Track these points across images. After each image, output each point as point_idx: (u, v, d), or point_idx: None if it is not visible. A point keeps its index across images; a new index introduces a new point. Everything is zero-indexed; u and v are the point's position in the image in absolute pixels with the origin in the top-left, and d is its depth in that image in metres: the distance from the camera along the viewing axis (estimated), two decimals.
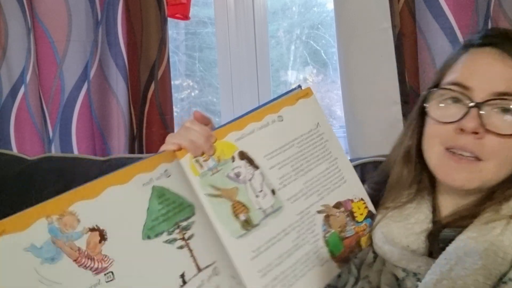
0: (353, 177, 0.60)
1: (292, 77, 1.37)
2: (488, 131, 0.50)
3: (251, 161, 0.53)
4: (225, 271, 0.49)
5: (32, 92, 1.01)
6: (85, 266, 0.42)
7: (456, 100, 0.53)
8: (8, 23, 1.02)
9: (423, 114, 0.57)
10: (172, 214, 0.47)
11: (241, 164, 0.53)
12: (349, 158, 0.97)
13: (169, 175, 0.49)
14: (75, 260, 0.41)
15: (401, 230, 0.54)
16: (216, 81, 1.34)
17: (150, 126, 1.05)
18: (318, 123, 0.59)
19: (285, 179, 0.55)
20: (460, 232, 0.49)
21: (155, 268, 0.45)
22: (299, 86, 0.60)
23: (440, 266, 0.47)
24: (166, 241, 0.46)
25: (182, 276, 0.46)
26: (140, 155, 0.97)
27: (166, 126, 1.04)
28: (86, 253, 0.42)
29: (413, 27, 0.96)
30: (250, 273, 0.50)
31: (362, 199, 0.60)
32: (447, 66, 0.57)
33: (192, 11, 1.12)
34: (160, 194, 0.47)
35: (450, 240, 0.49)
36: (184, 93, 1.37)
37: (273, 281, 0.51)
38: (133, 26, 1.04)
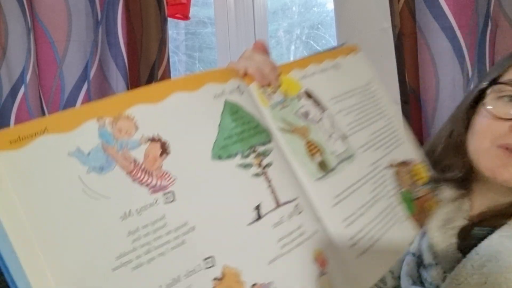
0: (409, 139, 0.56)
1: None
2: None
3: (318, 102, 0.49)
4: (308, 211, 0.41)
5: (32, 92, 1.01)
6: (140, 181, 0.34)
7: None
8: (8, 23, 1.02)
9: (473, 106, 0.56)
10: (247, 135, 0.40)
11: (309, 103, 0.48)
12: None
13: (242, 93, 0.42)
14: (129, 173, 0.34)
15: (436, 223, 0.55)
16: None
17: None
18: (370, 80, 0.55)
19: (352, 126, 0.50)
20: (492, 232, 0.49)
21: (224, 195, 0.38)
22: (343, 44, 0.58)
23: (471, 261, 0.47)
24: (240, 165, 0.39)
25: (257, 208, 0.38)
26: None
27: None
28: (143, 166, 0.35)
29: (413, 27, 0.96)
30: (335, 221, 0.43)
31: (421, 163, 0.55)
32: (509, 62, 0.56)
33: (192, 11, 1.12)
34: (233, 110, 0.40)
35: (481, 239, 0.49)
36: None
37: (359, 233, 0.44)
38: (133, 26, 1.04)
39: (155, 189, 0.35)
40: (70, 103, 1.02)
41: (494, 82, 0.55)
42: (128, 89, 1.01)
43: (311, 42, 1.34)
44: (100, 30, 1.01)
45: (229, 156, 0.39)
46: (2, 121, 1.04)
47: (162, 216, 0.34)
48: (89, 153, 0.33)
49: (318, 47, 1.34)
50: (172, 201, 0.35)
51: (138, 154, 0.35)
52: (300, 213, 0.41)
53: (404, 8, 0.96)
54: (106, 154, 0.34)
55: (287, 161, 0.43)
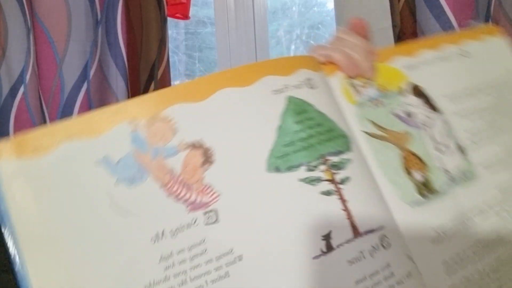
0: None
1: None
2: None
3: (430, 101, 0.38)
4: (399, 246, 0.31)
5: (31, 92, 1.01)
6: (177, 196, 0.28)
7: None
8: (8, 23, 1.02)
9: None
10: (316, 142, 0.31)
11: (415, 101, 0.37)
12: None
13: (315, 87, 0.33)
14: (164, 186, 0.28)
15: None
16: None
17: None
18: (508, 69, 0.42)
19: (477, 135, 0.38)
20: None
21: (282, 217, 0.29)
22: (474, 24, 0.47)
23: None
24: (304, 180, 0.30)
25: (327, 237, 0.29)
26: None
27: None
28: (181, 178, 0.29)
29: (414, 27, 0.96)
30: (432, 263, 0.32)
31: None
32: None
33: (192, 11, 1.12)
34: (299, 109, 0.32)
35: None
36: None
37: (465, 283, 0.33)
38: (133, 26, 1.04)
39: (194, 207, 0.29)
40: (70, 103, 1.02)
41: None
42: (128, 89, 1.01)
43: (311, 42, 1.34)
44: (100, 30, 1.01)
45: (290, 168, 0.30)
46: (1, 121, 1.04)
47: (201, 240, 0.28)
48: (118, 162, 0.28)
49: None
50: (214, 221, 0.29)
51: (176, 163, 0.29)
52: (387, 248, 0.30)
53: (405, 8, 0.95)
54: (138, 163, 0.28)
55: (373, 177, 0.33)
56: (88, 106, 1.02)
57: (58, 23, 1.01)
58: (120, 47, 1.00)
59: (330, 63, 0.36)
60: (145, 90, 1.04)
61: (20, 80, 1.02)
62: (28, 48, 1.01)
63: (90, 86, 1.01)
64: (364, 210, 0.30)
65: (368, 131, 0.34)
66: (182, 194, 0.28)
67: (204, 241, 0.28)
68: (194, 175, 0.29)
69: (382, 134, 0.35)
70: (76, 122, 0.28)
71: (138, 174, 0.28)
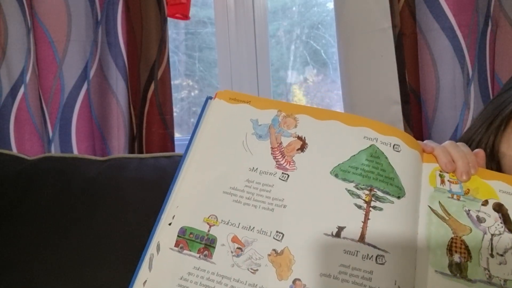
0: None
1: (292, 77, 1.36)
2: None
3: (507, 220, 0.44)
4: (390, 269, 0.41)
5: (32, 92, 1.01)
6: (275, 156, 0.46)
7: None
8: (8, 23, 1.02)
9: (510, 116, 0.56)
10: (373, 176, 0.44)
11: (492, 214, 0.44)
12: None
13: (398, 151, 0.46)
14: (272, 148, 0.47)
15: None
16: (216, 81, 1.34)
17: (150, 126, 1.05)
18: None
19: None
20: None
21: (322, 201, 0.43)
22: None
23: None
24: (348, 190, 0.43)
25: (340, 228, 0.41)
26: (140, 155, 0.97)
27: (166, 126, 1.04)
28: (283, 149, 0.46)
29: (414, 27, 0.96)
30: None
31: None
32: None
33: (192, 11, 1.12)
34: (374, 154, 0.45)
35: None
36: (184, 93, 1.37)
37: None
38: (133, 26, 1.04)
39: (279, 167, 0.46)
40: (70, 103, 1.02)
41: None
42: (128, 89, 1.01)
43: (311, 42, 1.34)
44: (100, 30, 1.01)
45: (344, 179, 0.44)
46: (1, 121, 1.04)
47: (272, 185, 0.45)
48: (260, 125, 0.48)
49: (318, 47, 1.34)
50: (285, 180, 0.45)
51: (285, 141, 0.47)
52: (379, 263, 0.40)
53: (405, 8, 0.95)
54: (268, 130, 0.48)
55: (409, 229, 0.42)
56: (88, 106, 1.02)
57: (58, 23, 1.01)
58: (120, 47, 1.00)
59: (430, 154, 0.47)
60: (145, 90, 1.04)
61: (20, 80, 1.02)
62: (28, 48, 1.01)
63: (90, 86, 1.01)
64: (379, 233, 0.41)
65: (433, 208, 0.44)
66: (278, 157, 0.46)
67: (273, 185, 0.45)
68: (291, 152, 0.46)
69: (444, 216, 0.44)
70: (255, 98, 0.50)
71: (264, 136, 0.48)
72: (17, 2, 1.01)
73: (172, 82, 1.06)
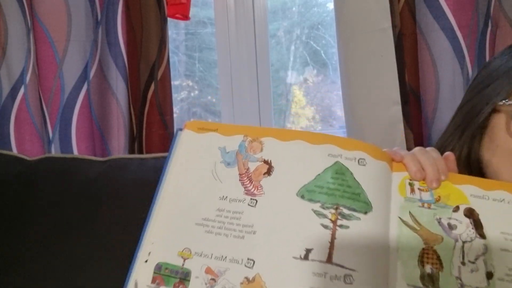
0: None
1: (292, 78, 1.37)
2: None
3: (478, 226, 0.44)
4: (360, 286, 0.41)
5: (32, 93, 1.01)
6: (243, 182, 0.47)
7: None
8: (8, 23, 1.02)
9: (486, 121, 0.55)
10: (338, 194, 0.44)
11: (463, 220, 0.44)
12: None
13: (363, 165, 0.46)
14: (240, 174, 0.48)
15: None
16: (216, 82, 1.34)
17: (150, 127, 1.05)
18: None
19: None
20: None
21: (289, 224, 0.44)
22: None
23: None
24: (314, 211, 0.44)
25: (308, 251, 0.42)
26: (140, 156, 0.97)
27: (166, 126, 1.04)
28: (250, 175, 0.47)
29: (413, 27, 0.96)
30: None
31: None
32: None
33: (192, 11, 1.12)
34: (339, 171, 0.46)
35: None
36: (184, 93, 1.37)
37: None
38: (133, 26, 1.04)
39: (248, 193, 0.46)
40: (70, 103, 1.02)
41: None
42: (128, 89, 1.01)
43: (311, 42, 1.34)
44: (100, 30, 1.01)
45: (310, 200, 0.45)
46: (2, 122, 1.04)
47: (241, 211, 0.45)
48: (228, 152, 0.49)
49: (318, 47, 1.34)
50: (253, 206, 0.46)
51: (252, 166, 0.48)
52: (348, 284, 0.40)
53: (404, 8, 0.96)
54: (236, 157, 0.49)
55: (379, 245, 0.43)
56: (88, 106, 1.02)
57: (58, 23, 1.01)
58: (120, 47, 1.00)
59: (399, 162, 0.47)
60: (145, 90, 1.04)
61: (20, 80, 1.02)
62: (28, 48, 1.01)
63: (90, 86, 1.01)
64: (346, 252, 0.42)
65: (403, 219, 0.44)
66: (246, 182, 0.47)
67: (242, 212, 0.45)
68: (258, 177, 0.47)
69: (414, 227, 0.44)
70: (223, 125, 0.51)
71: (232, 162, 0.49)
72: (17, 2, 1.01)
73: (172, 83, 1.06)
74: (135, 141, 1.05)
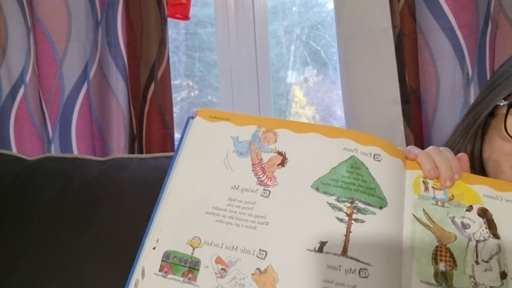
0: None
1: (292, 77, 1.36)
2: None
3: (491, 226, 0.44)
4: (374, 281, 0.40)
5: (32, 92, 1.01)
6: (256, 173, 0.46)
7: None
8: (8, 23, 1.02)
9: (487, 122, 0.57)
10: (354, 188, 0.44)
11: (476, 219, 0.44)
12: None
13: (378, 160, 0.46)
14: (253, 164, 0.47)
15: None
16: (216, 82, 1.34)
17: (150, 126, 1.05)
18: None
19: None
20: None
21: (304, 216, 0.43)
22: None
23: None
24: (329, 204, 0.43)
25: (323, 243, 0.41)
26: (140, 155, 0.97)
27: (166, 126, 1.04)
28: (263, 165, 0.46)
29: (413, 27, 0.96)
30: None
31: None
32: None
33: (192, 11, 1.12)
34: (355, 165, 0.45)
35: None
36: (184, 93, 1.37)
37: None
38: (133, 26, 1.04)
39: (261, 183, 0.45)
40: (70, 103, 1.02)
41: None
42: (128, 89, 1.01)
43: (311, 42, 1.34)
44: (100, 30, 1.01)
45: (325, 193, 0.44)
46: (1, 121, 1.04)
47: (254, 202, 0.44)
48: (240, 142, 0.48)
49: (318, 47, 1.34)
50: (266, 196, 0.45)
51: (266, 156, 0.47)
52: (362, 277, 0.40)
53: (404, 8, 0.95)
54: (249, 147, 0.48)
55: (394, 240, 0.42)
56: (88, 106, 1.02)
57: (58, 23, 1.01)
58: (120, 47, 1.00)
59: (414, 161, 0.47)
60: (145, 90, 1.04)
61: (20, 80, 1.02)
62: (28, 48, 1.01)
63: (90, 86, 1.01)
64: (362, 246, 0.41)
65: (417, 216, 0.44)
66: (259, 173, 0.46)
67: (255, 203, 0.44)
68: (271, 167, 0.46)
69: (428, 224, 0.44)
70: (235, 115, 0.50)
71: (245, 152, 0.48)
72: (17, 2, 1.01)
73: (172, 82, 1.06)
74: (135, 141, 1.05)
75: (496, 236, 0.43)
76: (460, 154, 0.50)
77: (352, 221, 0.42)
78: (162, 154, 0.94)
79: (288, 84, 1.36)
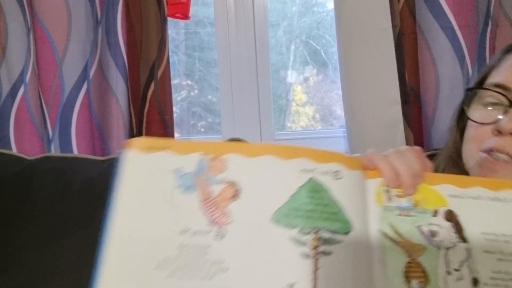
0: None
1: (292, 77, 1.36)
2: None
3: (459, 229, 0.43)
4: None
5: (31, 92, 1.01)
6: (207, 210, 0.40)
7: (496, 102, 0.52)
8: (8, 23, 1.02)
9: (463, 115, 0.57)
10: (317, 215, 0.40)
11: (444, 224, 0.43)
12: None
13: (339, 178, 0.42)
14: (202, 200, 0.40)
15: None
16: (215, 81, 1.34)
17: (149, 126, 1.05)
18: None
19: (503, 278, 0.41)
20: None
21: (266, 257, 0.39)
22: None
23: None
24: (293, 239, 0.39)
25: (290, 286, 0.38)
26: None
27: (165, 126, 1.04)
28: (215, 200, 0.41)
29: (413, 27, 0.96)
30: None
31: None
32: (490, 67, 0.57)
33: (192, 10, 1.12)
34: (314, 189, 0.41)
35: None
36: (184, 93, 1.37)
37: None
38: (133, 26, 1.04)
39: (214, 222, 0.40)
40: (70, 103, 1.02)
41: (474, 88, 0.56)
42: (128, 89, 1.01)
43: (311, 42, 1.34)
44: (100, 30, 1.01)
45: (287, 225, 0.40)
46: (1, 121, 1.04)
47: (209, 245, 0.39)
48: (184, 174, 0.41)
49: (318, 47, 1.34)
50: (221, 238, 0.39)
51: (216, 189, 0.41)
52: None
53: (404, 8, 0.95)
54: (194, 180, 0.41)
55: (364, 265, 0.40)
56: (88, 106, 1.02)
57: (58, 23, 1.01)
58: (120, 47, 1.00)
59: (374, 169, 0.44)
60: (145, 90, 1.04)
61: (20, 80, 1.02)
62: (28, 48, 1.01)
63: (90, 86, 1.01)
64: (332, 282, 0.38)
65: (384, 231, 0.42)
66: (211, 210, 0.40)
67: (210, 246, 0.39)
68: (223, 202, 0.40)
69: (396, 239, 0.42)
70: (175, 142, 0.43)
71: (191, 187, 0.41)
72: (17, 2, 1.01)
73: (171, 82, 1.06)
74: None
75: (464, 239, 0.42)
76: (415, 148, 0.48)
77: (318, 255, 0.39)
78: None
79: (288, 84, 1.36)
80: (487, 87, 0.53)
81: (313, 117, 1.38)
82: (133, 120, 1.05)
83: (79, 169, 0.86)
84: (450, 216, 0.43)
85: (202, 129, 1.38)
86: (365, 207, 0.43)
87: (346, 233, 0.40)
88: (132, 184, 0.42)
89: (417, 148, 0.48)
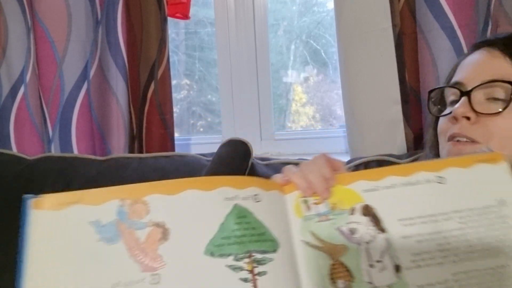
0: None
1: (292, 77, 1.37)
2: (479, 114, 0.54)
3: (376, 221, 0.44)
4: None
5: (32, 92, 1.01)
6: (136, 257, 0.39)
7: (455, 100, 0.57)
8: (8, 23, 1.02)
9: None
10: (247, 240, 0.41)
11: (361, 220, 0.44)
12: (349, 158, 0.97)
13: (258, 201, 0.43)
14: (129, 249, 0.39)
15: None
16: (215, 81, 1.34)
17: (150, 126, 1.05)
18: (502, 200, 0.44)
19: (423, 258, 0.42)
20: None
21: None
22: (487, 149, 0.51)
23: None
24: (230, 266, 0.40)
25: None
26: (139, 155, 0.97)
27: (166, 126, 1.04)
28: (142, 245, 0.39)
29: (414, 27, 0.96)
30: None
31: None
32: (455, 66, 0.63)
33: (192, 10, 1.12)
34: (240, 214, 0.42)
35: None
36: (184, 92, 1.37)
37: None
38: (133, 26, 1.04)
39: (146, 268, 0.38)
40: (70, 103, 1.02)
41: (435, 88, 0.63)
42: (128, 89, 1.01)
43: (311, 41, 1.34)
44: (100, 29, 1.01)
45: (222, 255, 0.40)
46: (1, 121, 1.04)
47: None
48: (104, 225, 0.39)
49: (318, 47, 1.34)
50: (157, 283, 0.38)
51: (142, 234, 0.39)
52: None
53: (405, 8, 0.95)
54: (117, 229, 0.39)
55: (297, 276, 0.41)
56: (88, 106, 1.02)
57: (58, 23, 1.01)
58: (120, 47, 1.00)
59: (290, 184, 0.46)
60: (145, 90, 1.04)
61: (20, 79, 1.02)
62: (28, 48, 1.01)
63: (90, 86, 1.01)
64: None
65: (306, 241, 0.43)
66: (140, 257, 0.39)
67: None
68: (152, 246, 0.39)
69: (318, 245, 0.43)
70: (87, 193, 0.40)
71: (114, 237, 0.39)
72: (17, 2, 1.01)
73: (172, 82, 1.06)
74: (135, 141, 1.05)
75: (382, 230, 0.43)
76: (320, 155, 0.50)
77: (256, 277, 0.40)
78: (162, 154, 0.94)
79: (288, 84, 1.36)
80: (443, 86, 0.62)
81: (313, 117, 1.38)
82: (133, 120, 1.05)
83: (79, 169, 0.86)
84: (367, 211, 0.44)
85: (202, 129, 1.38)
86: (287, 222, 0.44)
87: (275, 250, 0.42)
88: (46, 247, 0.38)
89: (324, 153, 0.50)
